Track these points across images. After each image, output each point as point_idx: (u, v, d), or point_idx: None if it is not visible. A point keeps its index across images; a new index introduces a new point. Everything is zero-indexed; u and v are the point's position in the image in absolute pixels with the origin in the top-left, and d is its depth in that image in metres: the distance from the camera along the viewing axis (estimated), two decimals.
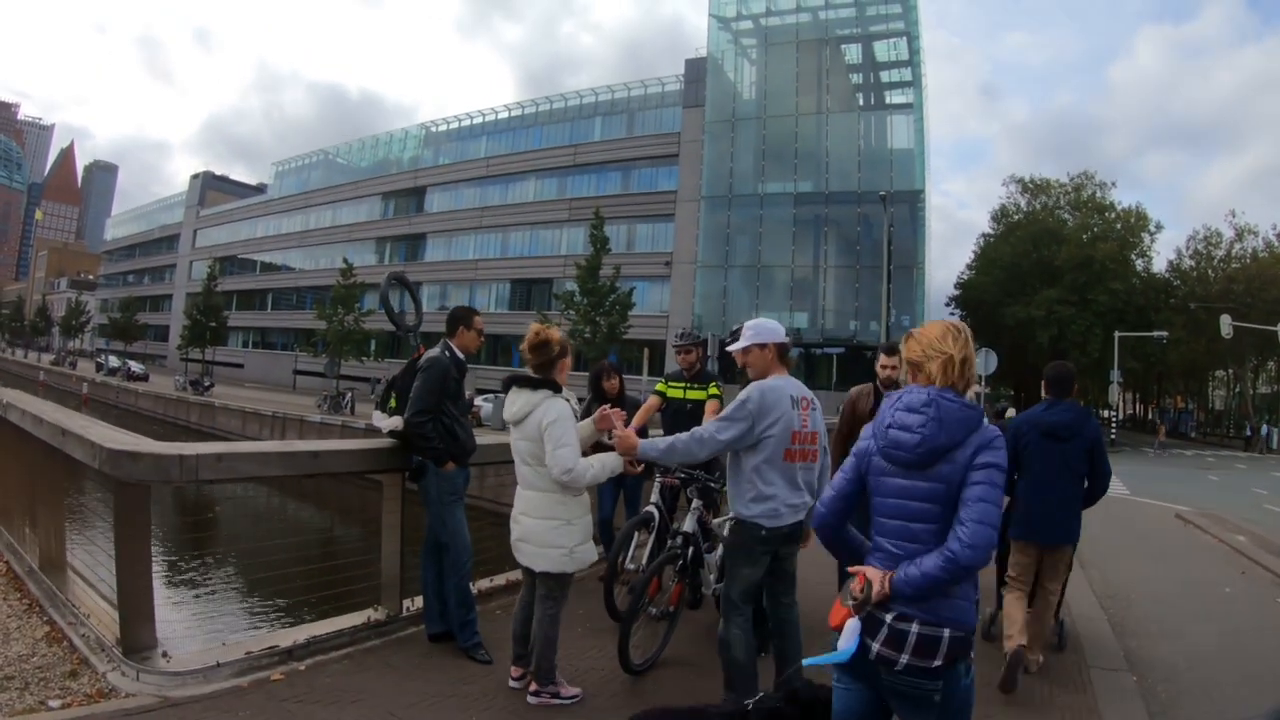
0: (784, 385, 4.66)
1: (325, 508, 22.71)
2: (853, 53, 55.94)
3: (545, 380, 4.92)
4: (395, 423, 5.65)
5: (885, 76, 56.31)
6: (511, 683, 5.07)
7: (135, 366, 64.70)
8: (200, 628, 11.15)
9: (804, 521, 4.73)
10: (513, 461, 5.09)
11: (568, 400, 4.92)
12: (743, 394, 4.58)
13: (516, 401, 4.92)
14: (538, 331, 5.06)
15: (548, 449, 4.70)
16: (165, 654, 4.92)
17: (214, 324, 68.18)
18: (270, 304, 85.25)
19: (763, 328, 4.83)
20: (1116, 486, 23.25)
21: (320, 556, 14.00)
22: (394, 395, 5.84)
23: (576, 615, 6.06)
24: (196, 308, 68.60)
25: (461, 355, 5.77)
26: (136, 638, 4.87)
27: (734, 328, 6.57)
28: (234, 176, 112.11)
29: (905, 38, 53.05)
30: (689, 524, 5.92)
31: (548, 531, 4.81)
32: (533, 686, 4.93)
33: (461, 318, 5.87)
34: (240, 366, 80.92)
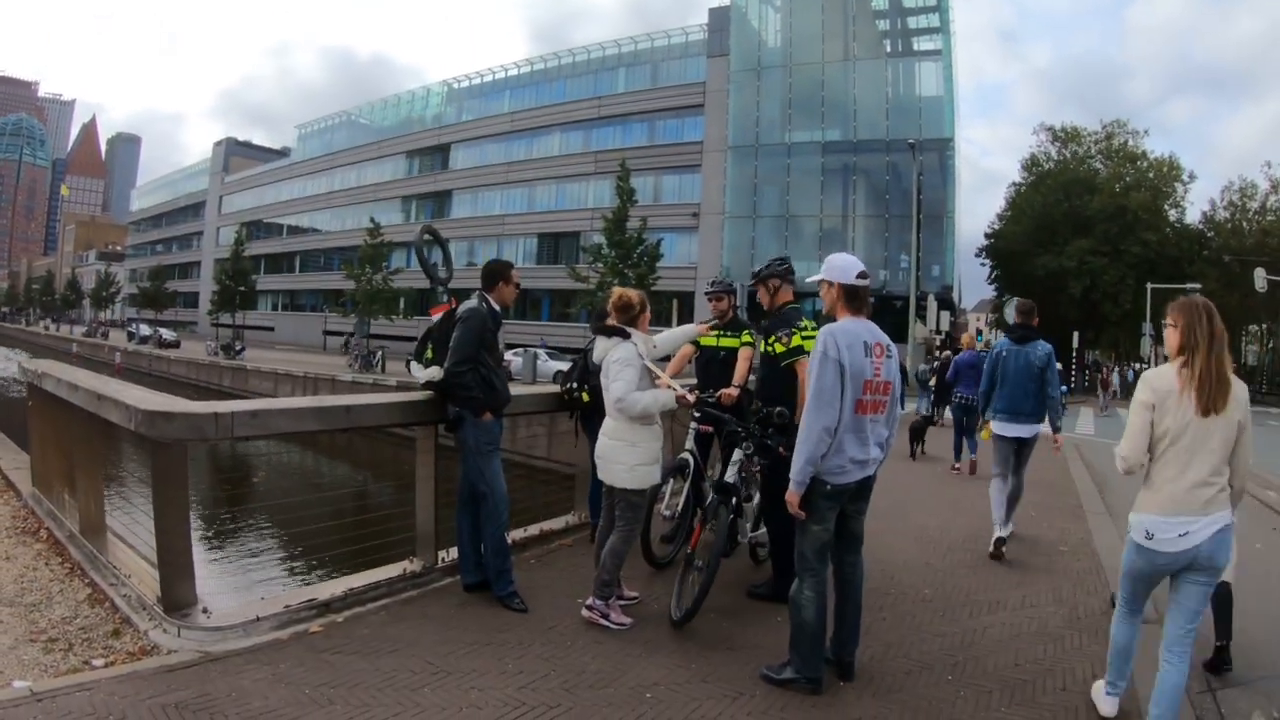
0: (856, 329, 4.45)
1: (357, 464, 22.89)
2: None
3: (616, 328, 5.60)
4: (434, 373, 5.72)
5: (913, 23, 55.52)
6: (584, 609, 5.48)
7: (166, 334, 64.84)
8: (239, 584, 11.29)
9: (872, 477, 4.61)
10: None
11: (635, 345, 5.50)
12: (817, 346, 4.40)
13: (600, 346, 5.66)
14: (621, 294, 5.73)
15: (607, 379, 5.45)
16: (205, 610, 4.96)
17: (243, 288, 68.54)
18: (298, 266, 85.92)
19: (832, 263, 4.65)
20: None
21: (354, 511, 14.10)
22: (431, 346, 5.85)
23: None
24: (225, 273, 68.90)
25: (498, 308, 5.79)
26: (177, 595, 4.93)
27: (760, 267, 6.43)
28: (254, 142, 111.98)
29: None
30: (731, 475, 5.88)
31: (616, 449, 5.44)
32: (588, 600, 5.31)
33: (499, 271, 5.89)
34: (270, 330, 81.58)
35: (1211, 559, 3.91)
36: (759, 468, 5.97)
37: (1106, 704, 4.41)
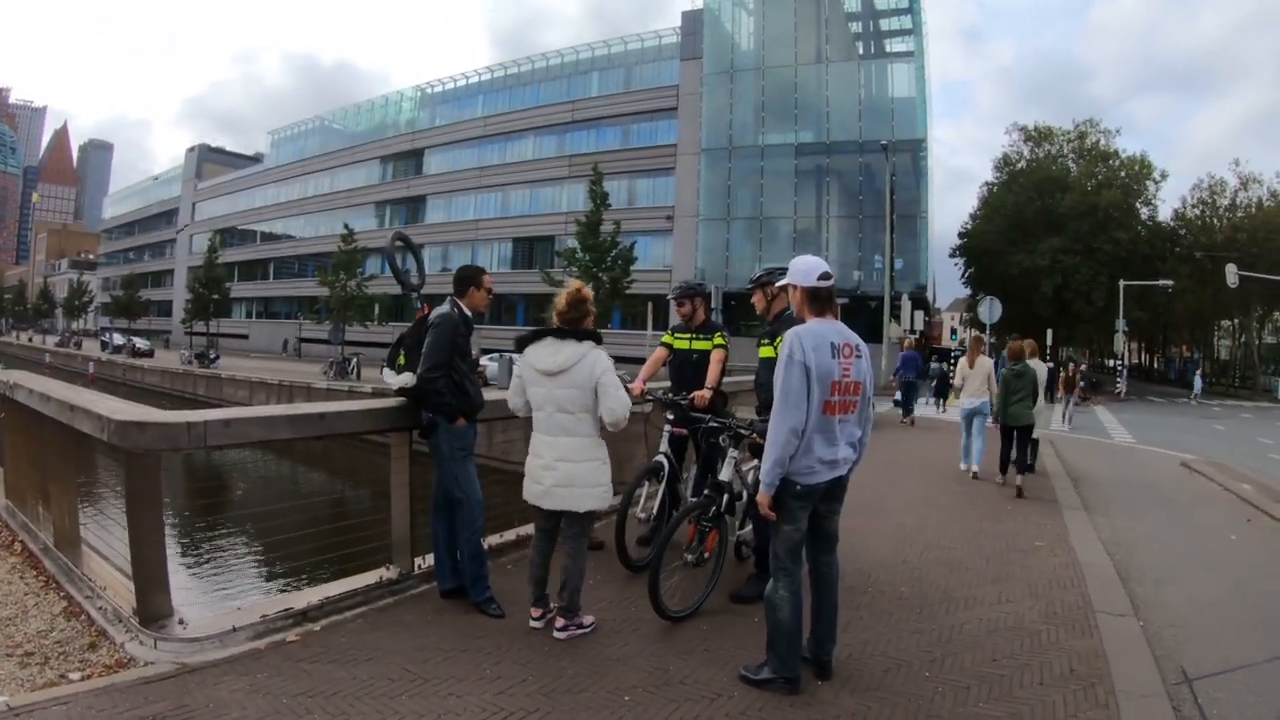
0: (823, 330, 4.46)
1: (332, 471, 22.77)
2: (851, 1, 55.47)
3: (590, 332, 5.27)
4: (406, 379, 5.67)
5: (885, 25, 55.95)
6: (533, 623, 5.28)
7: (140, 343, 64.48)
8: (214, 594, 11.24)
9: (844, 477, 4.64)
10: (519, 417, 5.52)
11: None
12: (783, 349, 4.43)
13: (562, 352, 5.16)
14: (579, 288, 5.41)
15: (608, 394, 5.09)
16: (182, 621, 4.94)
17: (217, 296, 68.12)
18: (272, 273, 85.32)
19: (795, 267, 4.70)
20: (1121, 434, 23.55)
21: (328, 519, 14.05)
22: (403, 352, 5.82)
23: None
24: (198, 281, 68.46)
25: (470, 314, 5.77)
26: (152, 607, 4.89)
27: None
28: (226, 149, 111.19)
29: None
30: (726, 473, 5.92)
31: (592, 472, 5.18)
32: (559, 623, 5.17)
33: (471, 277, 5.86)
34: (245, 337, 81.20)
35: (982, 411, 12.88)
36: (752, 467, 5.99)
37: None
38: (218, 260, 70.00)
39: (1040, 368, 13.35)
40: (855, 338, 4.57)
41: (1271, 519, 10.71)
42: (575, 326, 5.25)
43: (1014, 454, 12.01)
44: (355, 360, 44.06)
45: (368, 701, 4.14)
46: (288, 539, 9.40)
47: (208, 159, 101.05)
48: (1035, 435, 12.70)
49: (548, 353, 5.18)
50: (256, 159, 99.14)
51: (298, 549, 8.09)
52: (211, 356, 51.29)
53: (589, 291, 5.44)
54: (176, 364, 50.41)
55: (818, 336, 4.41)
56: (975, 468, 12.70)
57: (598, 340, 5.24)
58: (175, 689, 4.18)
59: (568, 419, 5.14)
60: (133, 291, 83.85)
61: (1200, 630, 6.15)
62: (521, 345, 5.36)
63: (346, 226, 55.71)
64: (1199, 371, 60.24)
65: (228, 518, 14.72)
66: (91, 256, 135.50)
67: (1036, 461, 13.61)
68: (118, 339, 68.52)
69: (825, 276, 4.61)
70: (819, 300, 4.60)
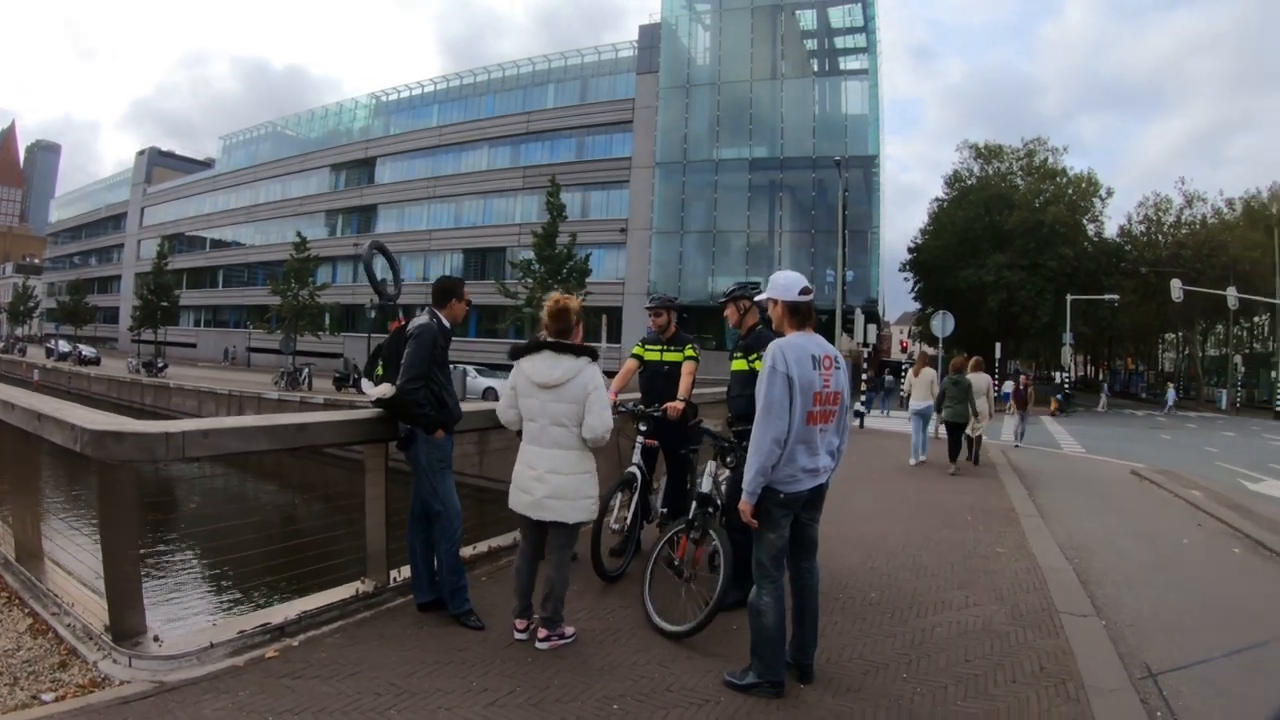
0: (804, 343, 4.60)
1: (300, 486, 22.56)
2: (808, 19, 56.03)
3: (588, 348, 5.30)
4: (385, 390, 5.61)
5: (840, 43, 56.54)
6: (518, 635, 5.30)
7: (86, 350, 63.28)
8: (187, 610, 11.11)
9: (824, 485, 4.75)
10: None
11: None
12: (766, 360, 4.55)
13: (559, 366, 5.19)
14: (558, 299, 5.44)
15: (594, 411, 5.13)
16: (156, 638, 4.84)
17: (165, 303, 67.33)
18: (221, 281, 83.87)
19: (776, 281, 4.83)
20: (1072, 445, 23.89)
21: (297, 533, 13.98)
22: (381, 363, 5.81)
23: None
24: (147, 287, 67.71)
25: (448, 324, 5.76)
26: (126, 623, 4.80)
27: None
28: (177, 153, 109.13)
29: (860, 4, 53.10)
30: (706, 484, 6.05)
31: (582, 484, 5.24)
32: (542, 633, 5.19)
33: (452, 289, 5.87)
34: (193, 346, 79.82)
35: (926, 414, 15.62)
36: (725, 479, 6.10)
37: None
38: (166, 267, 69.21)
39: (982, 379, 15.82)
40: (834, 350, 4.71)
41: (1222, 524, 11.08)
42: (563, 338, 5.27)
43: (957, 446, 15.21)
44: (307, 371, 43.64)
45: (356, 716, 4.12)
46: (257, 554, 9.34)
47: (158, 163, 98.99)
48: (979, 435, 15.96)
49: (545, 366, 5.20)
50: (207, 164, 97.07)
51: (268, 564, 8.01)
52: (159, 365, 50.60)
53: (572, 301, 5.45)
54: (123, 372, 49.60)
55: (799, 349, 4.54)
56: (923, 457, 15.84)
57: (594, 356, 5.27)
58: (155, 709, 4.12)
59: (561, 432, 5.17)
60: (79, 297, 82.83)
61: (1159, 629, 6.41)
62: (517, 355, 5.37)
63: (299, 234, 55.27)
64: (1171, 384, 61.25)
65: (192, 533, 14.52)
66: (37, 261, 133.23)
67: (980, 456, 15.97)
68: (63, 346, 67.48)
69: (806, 291, 4.78)
70: (799, 314, 4.75)
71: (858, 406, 24.08)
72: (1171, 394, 54.59)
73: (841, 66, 56.34)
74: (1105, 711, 4.58)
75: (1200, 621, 6.64)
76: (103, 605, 4.98)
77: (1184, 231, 62.32)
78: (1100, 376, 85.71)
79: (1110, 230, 63.80)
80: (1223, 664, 5.69)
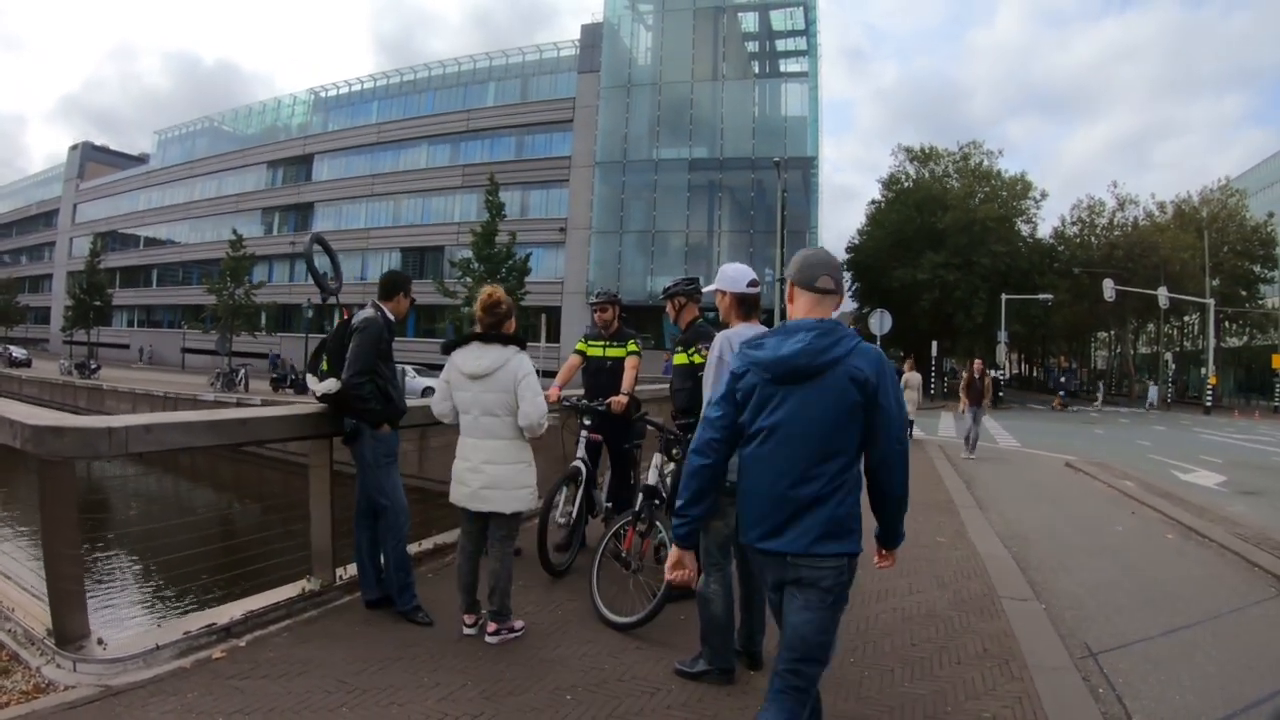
0: (750, 334, 4.53)
1: (239, 488, 22.33)
2: (749, 21, 56.57)
3: (514, 337, 5.33)
4: (330, 385, 5.56)
5: (781, 45, 57.07)
6: (466, 630, 5.32)
7: (17, 352, 62.02)
8: (131, 613, 10.92)
9: None
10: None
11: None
12: (712, 351, 4.64)
13: (486, 356, 5.21)
14: (490, 293, 5.42)
15: (526, 398, 5.15)
16: (101, 641, 4.75)
17: (98, 303, 66.10)
18: (156, 280, 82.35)
19: (724, 274, 4.89)
20: (1008, 440, 24.29)
21: (242, 533, 13.78)
22: (326, 358, 5.75)
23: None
24: (79, 287, 66.39)
25: (393, 318, 5.77)
26: (69, 627, 4.69)
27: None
28: (111, 148, 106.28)
29: (801, 7, 53.77)
30: (652, 477, 6.10)
31: (518, 474, 5.25)
32: (491, 627, 5.21)
33: (400, 283, 5.90)
34: (126, 347, 78.14)
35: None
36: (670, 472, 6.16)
37: None
38: (99, 265, 67.90)
39: (915, 377, 17.82)
40: None
41: (1154, 511, 11.44)
42: (496, 331, 5.30)
43: None
44: (243, 372, 43.17)
45: (307, 715, 4.09)
46: (199, 554, 9.21)
47: (91, 158, 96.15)
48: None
49: (473, 356, 5.24)
50: (142, 159, 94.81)
51: (210, 564, 7.96)
52: (92, 367, 49.67)
53: (501, 293, 5.48)
54: (56, 375, 48.66)
55: (746, 340, 4.58)
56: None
57: (521, 345, 5.33)
58: (102, 713, 4.06)
59: (493, 422, 5.20)
60: (9, 297, 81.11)
61: (1097, 611, 6.62)
62: (448, 349, 5.40)
63: (235, 232, 54.55)
64: (1152, 380, 62.00)
65: (133, 534, 14.21)
66: None
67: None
68: None
69: (754, 284, 4.87)
70: (746, 305, 4.85)
71: None
72: (1153, 390, 55.77)
73: (782, 69, 56.88)
74: (1048, 689, 4.73)
75: (1137, 603, 6.87)
76: (44, 608, 4.84)
77: (1117, 233, 63.60)
78: (1034, 374, 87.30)
79: (1044, 231, 65.22)
80: (1161, 642, 5.90)
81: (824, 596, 3.06)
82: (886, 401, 3.04)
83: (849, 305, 64.68)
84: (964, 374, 20.99)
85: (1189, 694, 4.92)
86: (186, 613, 7.17)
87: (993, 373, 56.61)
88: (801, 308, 3.32)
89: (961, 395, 18.79)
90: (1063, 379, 62.47)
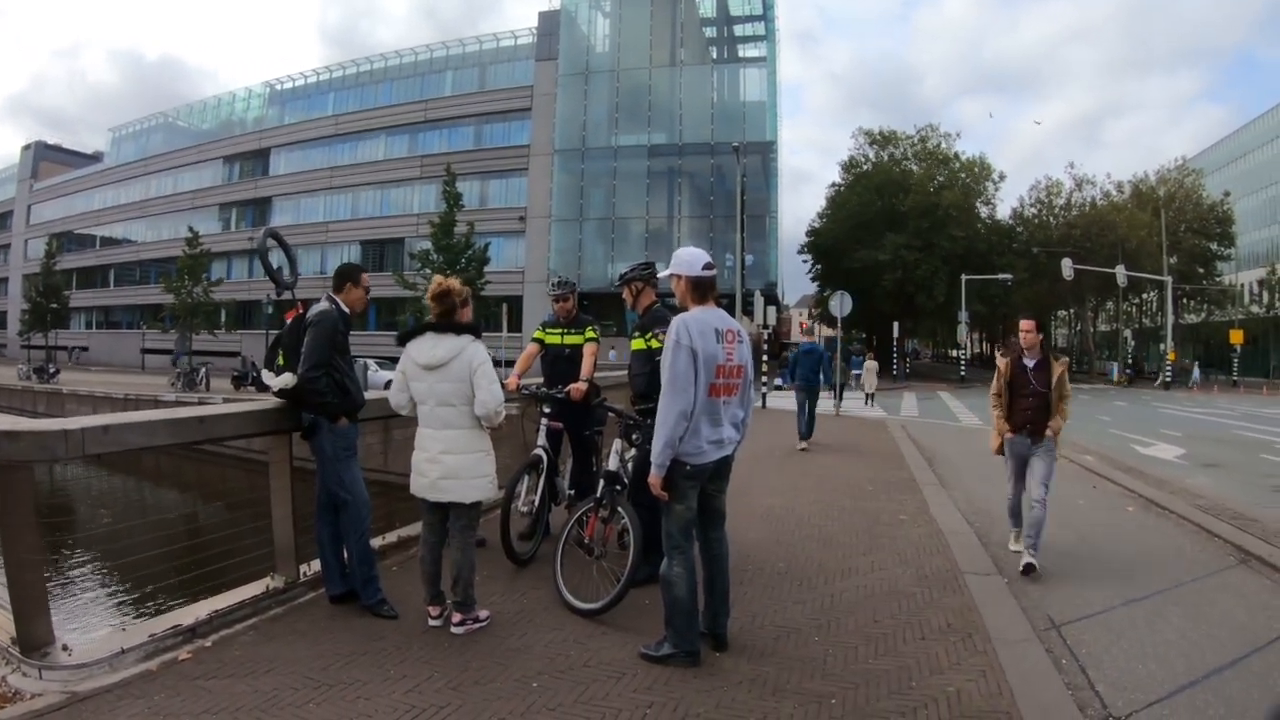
0: (707, 317, 4.68)
1: (199, 487, 22.12)
2: (707, 6, 56.75)
3: (469, 326, 5.34)
4: (287, 380, 5.54)
5: (739, 30, 57.13)
6: (432, 622, 5.33)
7: None
8: (95, 617, 10.81)
9: (730, 457, 4.86)
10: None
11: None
12: (670, 335, 4.62)
13: (441, 345, 5.21)
14: (440, 282, 5.42)
15: (481, 386, 5.14)
16: (66, 647, 4.70)
17: (55, 305, 65.23)
18: (113, 280, 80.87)
19: (679, 258, 4.90)
20: (969, 418, 24.52)
21: (204, 533, 13.66)
22: (282, 352, 5.75)
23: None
24: (35, 289, 65.47)
25: (347, 310, 5.74)
26: (33, 634, 4.63)
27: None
28: (64, 146, 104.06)
29: None
30: (613, 463, 6.11)
31: (476, 463, 5.25)
32: (456, 618, 5.22)
33: (349, 274, 5.84)
34: (85, 349, 77.04)
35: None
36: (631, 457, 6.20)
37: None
38: (55, 267, 66.99)
39: (873, 363, 19.33)
40: (736, 324, 4.82)
41: (1115, 485, 11.63)
42: (449, 319, 5.32)
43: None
44: (204, 371, 42.75)
45: (275, 713, 4.08)
46: (160, 555, 9.12)
47: (45, 157, 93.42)
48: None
49: (427, 346, 5.24)
50: (96, 158, 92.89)
51: (173, 565, 7.89)
52: (51, 371, 48.99)
53: (453, 282, 5.47)
54: (14, 379, 47.95)
55: (702, 323, 4.63)
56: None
57: (476, 334, 5.31)
58: None
59: (450, 412, 5.20)
60: None
61: (1060, 583, 6.71)
62: (403, 340, 5.40)
63: (191, 229, 53.96)
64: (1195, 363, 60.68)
65: (93, 538, 14.12)
66: None
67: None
68: None
69: (709, 267, 4.86)
70: (702, 288, 4.83)
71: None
72: (1197, 372, 54.72)
73: (740, 54, 57.09)
74: (1012, 661, 4.79)
75: (1098, 575, 6.96)
76: (8, 616, 4.76)
77: (1074, 213, 64.32)
78: (995, 353, 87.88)
79: (1003, 212, 65.89)
80: (1122, 612, 5.98)
81: None
82: None
83: (809, 288, 64.82)
84: (1002, 360, 7.79)
85: (1151, 662, 4.99)
86: (152, 615, 7.11)
87: (954, 353, 57.21)
88: None
89: (996, 414, 7.64)
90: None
